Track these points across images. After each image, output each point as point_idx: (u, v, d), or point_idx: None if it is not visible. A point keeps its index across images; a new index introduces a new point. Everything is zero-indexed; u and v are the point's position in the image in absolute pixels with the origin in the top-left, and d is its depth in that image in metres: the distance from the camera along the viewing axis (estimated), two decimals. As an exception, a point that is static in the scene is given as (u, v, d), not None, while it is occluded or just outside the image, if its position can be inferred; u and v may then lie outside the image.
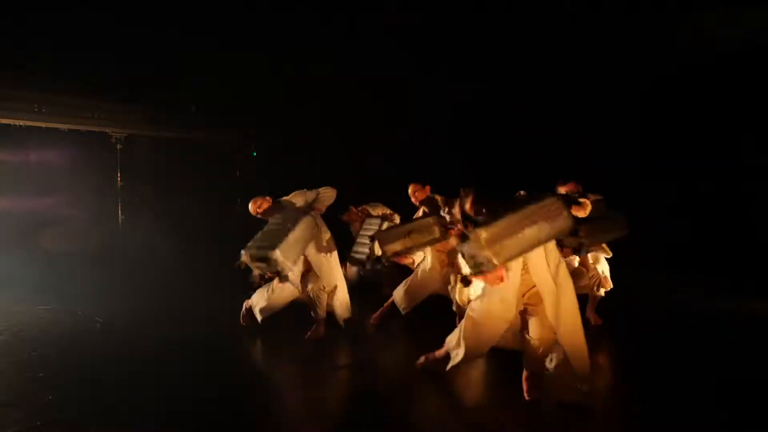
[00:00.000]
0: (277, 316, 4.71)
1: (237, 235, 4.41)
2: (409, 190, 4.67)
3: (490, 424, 3.03)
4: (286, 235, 3.87)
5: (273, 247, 3.76)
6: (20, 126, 7.29)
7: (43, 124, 7.51)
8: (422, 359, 3.58)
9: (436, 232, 4.15)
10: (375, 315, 4.90)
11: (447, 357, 3.36)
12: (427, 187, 4.67)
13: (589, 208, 3.08)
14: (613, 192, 4.72)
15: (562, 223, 2.66)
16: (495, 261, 2.58)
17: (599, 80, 7.93)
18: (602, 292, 4.74)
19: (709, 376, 3.69)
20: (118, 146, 8.37)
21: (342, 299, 4.53)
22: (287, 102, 9.91)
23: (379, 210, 5.45)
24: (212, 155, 9.32)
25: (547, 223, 2.64)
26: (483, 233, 2.58)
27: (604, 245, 4.63)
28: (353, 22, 8.91)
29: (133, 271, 7.27)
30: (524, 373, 3.23)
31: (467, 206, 3.22)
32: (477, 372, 3.65)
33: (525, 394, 3.19)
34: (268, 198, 4.34)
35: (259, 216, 4.27)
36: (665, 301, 5.75)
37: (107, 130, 8.26)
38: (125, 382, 3.51)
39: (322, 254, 4.39)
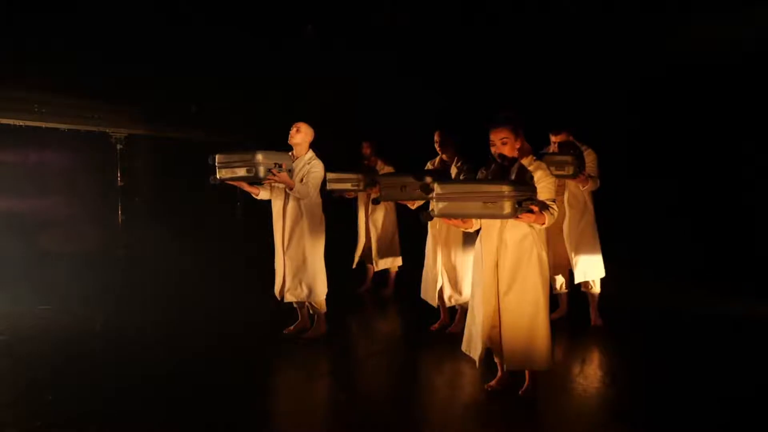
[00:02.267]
0: (277, 314, 4.73)
1: (237, 236, 4.40)
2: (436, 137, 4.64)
3: (491, 424, 3.03)
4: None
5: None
6: (20, 126, 7.28)
7: (43, 124, 7.50)
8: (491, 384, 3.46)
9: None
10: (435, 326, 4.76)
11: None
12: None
13: (544, 219, 3.08)
14: (614, 192, 4.74)
15: (498, 211, 2.84)
16: (435, 212, 3.02)
17: (595, 81, 7.94)
18: (597, 288, 4.73)
19: (709, 377, 3.70)
20: (118, 146, 8.36)
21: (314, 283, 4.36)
22: (287, 101, 9.92)
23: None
24: (212, 155, 9.30)
25: (483, 204, 2.86)
26: (437, 188, 3.00)
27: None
28: (353, 22, 8.92)
29: (133, 271, 7.26)
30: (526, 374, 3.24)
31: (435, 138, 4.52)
32: (477, 372, 3.66)
33: (521, 392, 3.20)
34: (305, 131, 4.43)
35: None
36: (666, 303, 5.74)
37: (107, 130, 8.26)
38: (125, 382, 3.51)
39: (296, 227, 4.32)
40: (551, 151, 4.71)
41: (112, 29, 7.52)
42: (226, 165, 4.04)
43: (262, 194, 4.35)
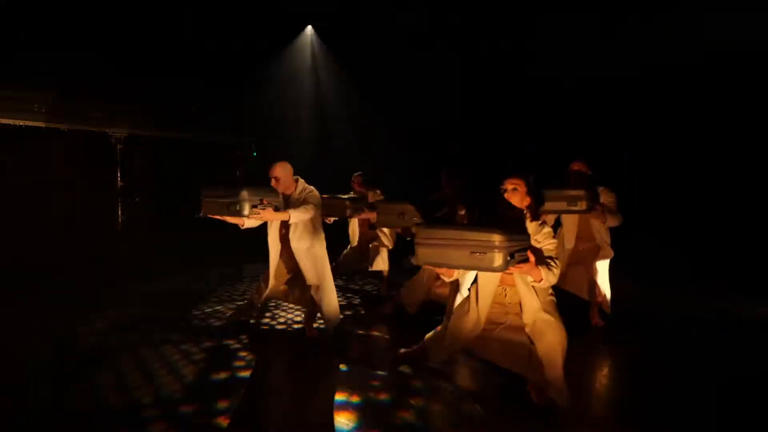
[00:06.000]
0: (276, 314, 4.71)
1: (236, 236, 4.40)
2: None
3: (492, 424, 3.03)
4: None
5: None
6: (20, 126, 7.28)
7: (43, 124, 7.51)
8: (402, 351, 3.87)
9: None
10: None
11: (424, 351, 3.65)
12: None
13: (541, 274, 2.90)
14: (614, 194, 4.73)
15: (487, 264, 2.56)
16: (415, 260, 2.75)
17: (595, 79, 7.95)
18: (606, 298, 4.71)
19: (710, 377, 3.70)
20: (118, 146, 8.36)
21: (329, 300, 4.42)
22: (286, 101, 9.94)
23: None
24: (212, 155, 9.33)
25: (470, 255, 2.60)
26: (419, 231, 2.73)
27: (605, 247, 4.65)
28: (358, 24, 8.93)
29: (133, 271, 7.26)
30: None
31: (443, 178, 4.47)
32: (479, 374, 3.66)
33: (534, 399, 3.19)
34: (281, 171, 4.27)
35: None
36: (666, 303, 5.75)
37: (107, 130, 8.26)
38: (124, 382, 3.51)
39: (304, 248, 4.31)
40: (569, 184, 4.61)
41: (113, 29, 7.53)
42: (210, 200, 3.98)
43: (248, 224, 4.24)
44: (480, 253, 2.52)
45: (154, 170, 8.88)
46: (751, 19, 6.68)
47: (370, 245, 5.98)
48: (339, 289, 6.25)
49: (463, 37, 8.55)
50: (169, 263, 7.55)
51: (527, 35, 8.04)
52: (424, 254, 2.71)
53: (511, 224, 2.95)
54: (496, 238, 2.53)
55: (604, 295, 4.68)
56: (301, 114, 10.18)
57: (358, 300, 5.82)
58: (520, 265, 2.72)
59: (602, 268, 4.68)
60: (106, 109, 8.14)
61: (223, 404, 3.19)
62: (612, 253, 4.67)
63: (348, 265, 6.21)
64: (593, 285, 4.65)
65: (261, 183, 4.37)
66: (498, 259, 2.52)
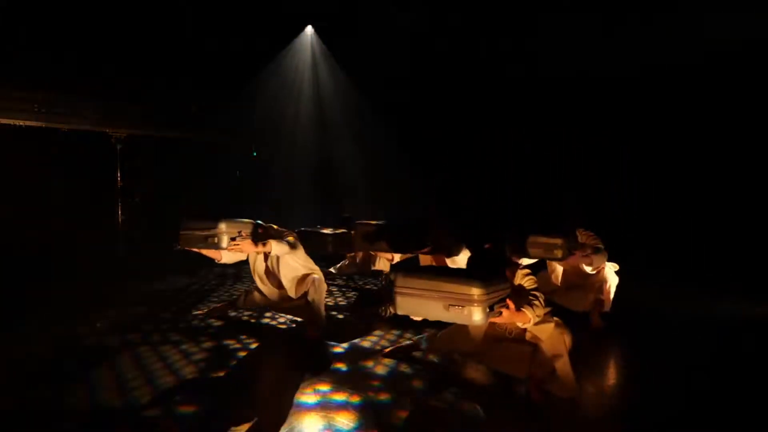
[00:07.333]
0: (273, 317, 4.71)
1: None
2: None
3: (489, 423, 3.03)
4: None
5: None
6: (20, 126, 7.28)
7: (43, 124, 7.50)
8: (387, 350, 3.98)
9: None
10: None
11: (412, 346, 3.86)
12: None
13: (527, 317, 2.86)
14: (613, 198, 4.73)
15: (465, 318, 2.47)
16: (394, 309, 2.68)
17: (596, 77, 7.95)
18: (609, 301, 4.69)
19: (710, 378, 3.70)
20: (118, 146, 8.36)
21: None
22: (286, 101, 9.94)
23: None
24: (212, 155, 9.32)
25: (447, 307, 2.51)
26: (398, 279, 2.63)
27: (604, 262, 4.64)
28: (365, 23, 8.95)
29: (133, 271, 7.25)
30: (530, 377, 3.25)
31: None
32: (478, 374, 3.66)
33: (533, 398, 3.19)
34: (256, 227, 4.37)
35: None
36: (667, 304, 5.75)
37: (107, 130, 8.25)
38: (124, 382, 3.51)
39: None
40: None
41: (113, 29, 7.53)
42: (188, 233, 4.02)
43: (225, 258, 4.28)
44: (458, 306, 2.42)
45: (154, 170, 8.86)
46: (751, 19, 6.68)
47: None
48: (339, 289, 6.27)
49: (463, 37, 8.54)
50: (169, 263, 7.54)
51: (527, 35, 8.03)
52: (402, 303, 2.63)
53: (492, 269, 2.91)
54: (475, 292, 2.42)
55: (608, 292, 4.66)
56: (300, 114, 10.18)
57: (359, 300, 5.82)
58: (502, 310, 2.67)
59: (611, 272, 4.67)
60: (106, 109, 8.13)
61: (222, 404, 3.19)
62: (615, 266, 4.70)
63: (349, 269, 6.33)
64: (599, 292, 4.62)
65: (260, 183, 4.40)
66: (477, 313, 2.42)
